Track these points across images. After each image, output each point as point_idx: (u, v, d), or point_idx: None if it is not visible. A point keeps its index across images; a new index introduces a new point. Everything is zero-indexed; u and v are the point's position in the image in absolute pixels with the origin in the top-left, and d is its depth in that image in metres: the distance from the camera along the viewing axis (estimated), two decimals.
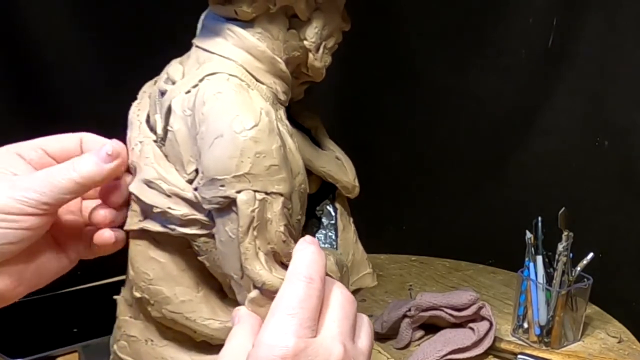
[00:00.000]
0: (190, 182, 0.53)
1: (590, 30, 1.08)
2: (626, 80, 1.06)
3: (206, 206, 0.51)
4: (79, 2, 1.02)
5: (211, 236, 0.54)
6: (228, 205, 0.50)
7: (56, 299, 0.99)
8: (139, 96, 0.60)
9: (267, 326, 0.45)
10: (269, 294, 0.49)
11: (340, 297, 0.48)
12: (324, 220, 0.63)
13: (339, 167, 0.63)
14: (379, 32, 1.13)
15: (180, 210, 0.53)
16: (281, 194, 0.51)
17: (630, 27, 1.04)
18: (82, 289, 1.03)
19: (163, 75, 0.58)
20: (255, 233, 0.50)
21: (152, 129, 0.56)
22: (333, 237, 0.62)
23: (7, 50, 0.99)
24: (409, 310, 0.93)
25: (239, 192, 0.49)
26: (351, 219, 0.64)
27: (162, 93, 0.56)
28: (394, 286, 1.08)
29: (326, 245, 0.62)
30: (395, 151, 1.24)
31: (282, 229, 0.51)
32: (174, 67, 0.57)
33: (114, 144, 0.53)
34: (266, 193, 0.50)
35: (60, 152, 0.55)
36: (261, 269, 0.50)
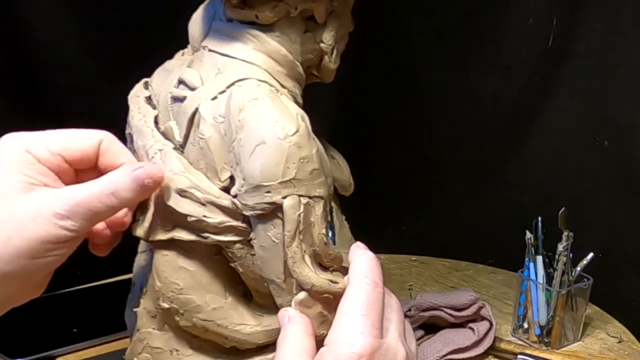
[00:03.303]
0: (225, 189, 0.53)
1: (590, 30, 1.08)
2: (626, 80, 1.06)
3: (248, 212, 0.51)
4: (78, 1, 1.03)
5: (246, 242, 0.54)
6: (272, 211, 0.50)
7: (56, 299, 0.99)
8: (132, 101, 0.59)
9: (341, 326, 0.46)
10: (316, 295, 0.50)
11: (393, 302, 0.50)
12: None
13: (335, 166, 0.63)
14: (379, 31, 1.13)
15: (216, 218, 0.53)
16: (322, 197, 0.51)
17: (630, 27, 1.04)
18: (82, 289, 1.03)
19: (169, 79, 0.57)
20: (301, 237, 0.50)
21: (165, 136, 0.56)
22: (330, 235, 0.62)
23: (7, 49, 0.99)
24: (409, 310, 0.93)
25: (284, 197, 0.50)
26: (344, 217, 0.64)
27: (177, 99, 0.55)
28: (393, 286, 1.08)
29: None
30: (395, 151, 1.24)
31: (323, 231, 0.52)
32: (189, 72, 0.56)
33: (154, 172, 0.51)
34: (309, 197, 0.51)
35: (80, 159, 0.52)
36: (309, 272, 0.50)
